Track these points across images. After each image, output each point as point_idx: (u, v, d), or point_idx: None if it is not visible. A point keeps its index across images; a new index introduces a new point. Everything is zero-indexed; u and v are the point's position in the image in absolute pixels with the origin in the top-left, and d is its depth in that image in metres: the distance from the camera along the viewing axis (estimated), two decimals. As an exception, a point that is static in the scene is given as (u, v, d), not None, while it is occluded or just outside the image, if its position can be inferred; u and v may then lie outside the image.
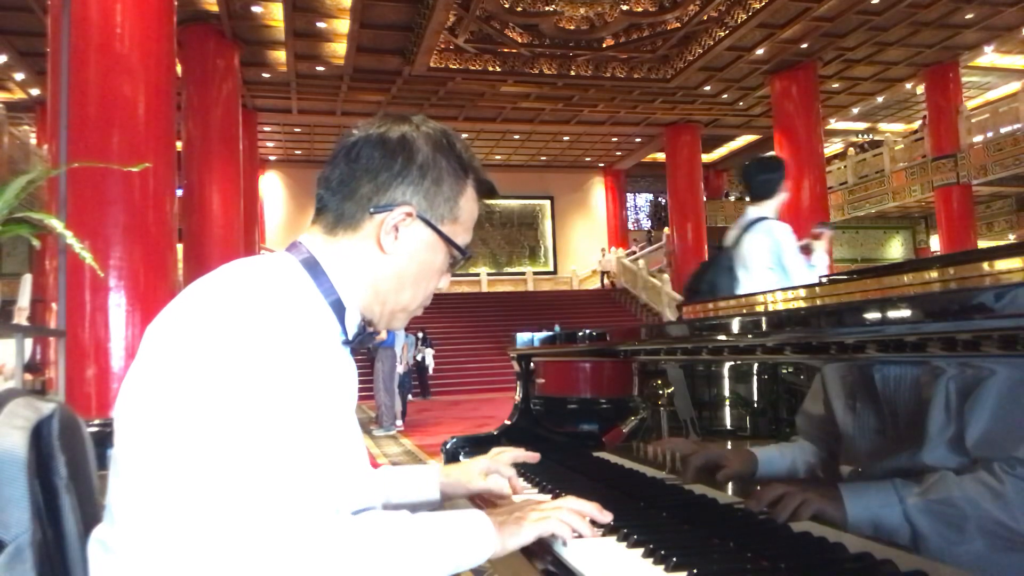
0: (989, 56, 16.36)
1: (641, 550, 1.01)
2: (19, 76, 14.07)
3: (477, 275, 22.74)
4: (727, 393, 1.24)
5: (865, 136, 22.65)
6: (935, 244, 21.86)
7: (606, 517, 1.03)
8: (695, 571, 0.92)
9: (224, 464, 0.77)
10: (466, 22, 13.07)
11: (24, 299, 5.33)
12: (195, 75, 11.80)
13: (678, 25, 13.58)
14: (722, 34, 13.44)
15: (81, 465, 0.96)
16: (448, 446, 1.87)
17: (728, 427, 1.24)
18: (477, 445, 1.83)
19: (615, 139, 21.43)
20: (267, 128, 18.53)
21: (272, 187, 21.96)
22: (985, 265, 1.15)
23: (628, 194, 25.74)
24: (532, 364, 2.05)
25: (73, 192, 5.27)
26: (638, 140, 21.44)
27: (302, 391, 0.85)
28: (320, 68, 14.43)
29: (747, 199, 3.40)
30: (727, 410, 1.25)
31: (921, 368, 0.82)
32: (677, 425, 1.35)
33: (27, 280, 5.53)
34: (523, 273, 23.69)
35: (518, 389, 2.06)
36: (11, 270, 14.50)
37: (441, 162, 1.00)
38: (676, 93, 16.59)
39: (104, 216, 5.70)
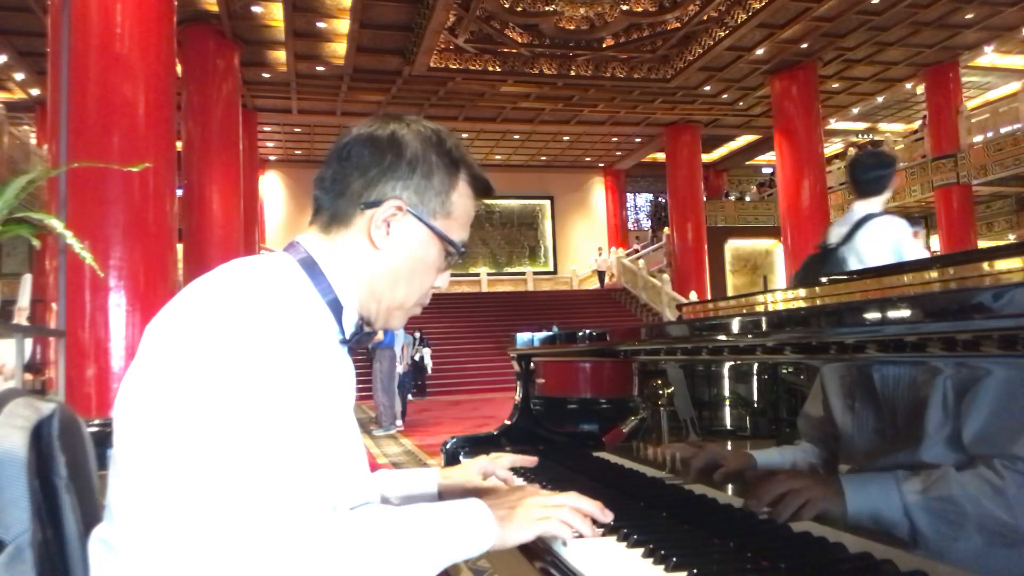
0: (989, 56, 16.36)
1: (641, 550, 1.01)
2: (19, 76, 14.07)
3: (477, 275, 22.75)
4: (727, 393, 1.24)
5: (865, 136, 22.65)
6: (935, 244, 21.86)
7: (607, 517, 1.03)
8: (695, 571, 0.92)
9: (223, 462, 0.77)
10: (466, 22, 13.07)
11: (24, 299, 5.33)
12: (195, 75, 11.81)
13: (678, 25, 13.59)
14: (722, 34, 13.44)
15: (81, 465, 0.96)
16: (448, 446, 1.87)
17: (728, 427, 1.24)
18: (477, 445, 1.83)
19: (615, 139, 21.44)
20: (267, 128, 18.54)
21: (272, 187, 21.96)
22: (985, 265, 1.15)
23: (628, 194, 25.75)
24: (532, 364, 2.05)
25: (73, 192, 5.28)
26: (638, 140, 21.45)
27: (300, 390, 0.85)
28: (320, 68, 14.43)
29: (855, 194, 3.34)
30: (727, 410, 1.25)
31: (921, 368, 0.82)
32: (677, 425, 1.35)
33: (27, 280, 5.53)
34: (523, 273, 23.70)
35: (518, 389, 2.06)
36: (11, 270, 14.49)
37: (431, 157, 1.00)
38: (676, 93, 16.60)
39: (104, 216, 5.71)
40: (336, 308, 0.97)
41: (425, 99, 16.31)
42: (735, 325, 1.11)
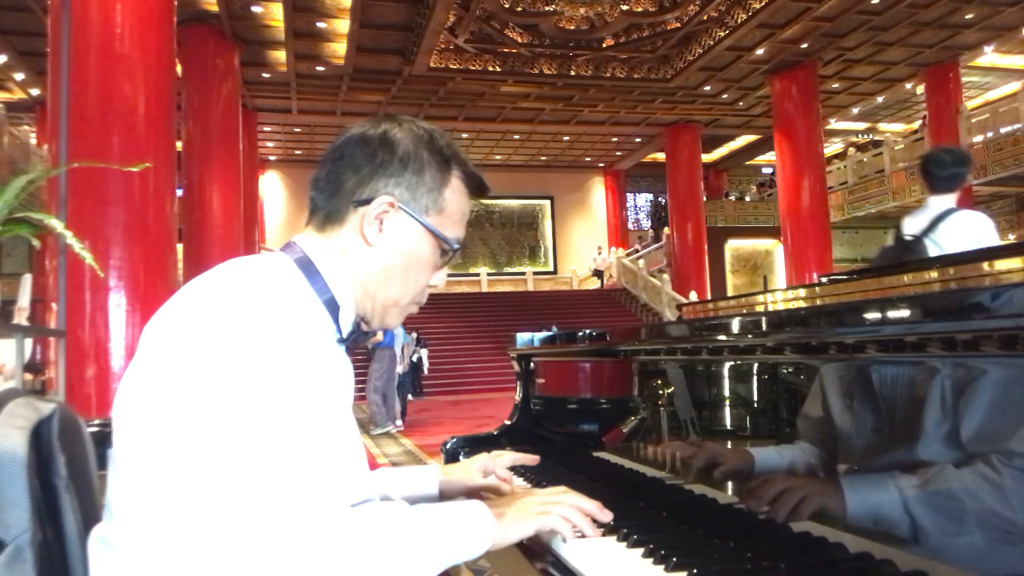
0: (989, 56, 16.36)
1: (641, 550, 1.01)
2: (19, 76, 14.07)
3: (477, 275, 22.74)
4: (727, 393, 1.24)
5: (865, 136, 22.66)
6: (935, 244, 21.82)
7: (606, 516, 1.03)
8: (695, 571, 0.92)
9: (220, 460, 0.78)
10: (466, 22, 13.07)
11: (24, 299, 5.33)
12: (195, 75, 11.81)
13: (678, 25, 13.59)
14: (722, 34, 13.44)
15: (81, 465, 0.96)
16: (448, 446, 1.87)
17: (728, 427, 1.24)
18: (477, 445, 1.83)
19: (615, 139, 21.44)
20: (267, 128, 18.54)
21: (272, 187, 21.96)
22: (985, 265, 1.15)
23: (628, 194, 25.74)
24: (532, 364, 2.05)
25: (73, 192, 5.28)
26: (638, 140, 21.44)
27: (297, 388, 0.85)
28: (320, 68, 14.43)
29: (929, 189, 3.37)
30: (727, 410, 1.25)
31: (921, 368, 0.82)
32: (677, 425, 1.35)
33: (27, 280, 5.53)
34: (523, 273, 23.68)
35: (518, 389, 2.06)
36: (11, 270, 14.50)
37: (422, 154, 1.01)
38: (676, 93, 16.60)
39: (104, 216, 5.71)
40: (333, 307, 0.97)
41: (425, 99, 16.31)
42: (735, 325, 1.11)
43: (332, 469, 0.94)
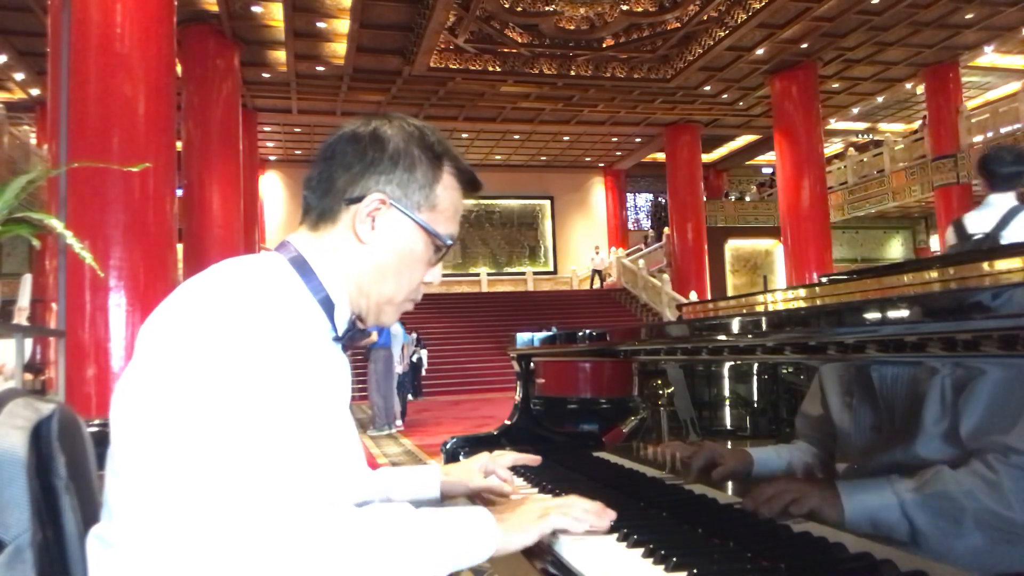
0: (989, 56, 16.36)
1: (641, 550, 1.01)
2: (19, 76, 14.07)
3: (477, 275, 22.74)
4: (727, 393, 1.24)
5: (865, 136, 22.65)
6: (935, 244, 21.86)
7: (610, 515, 1.03)
8: (695, 571, 0.92)
9: (218, 459, 0.78)
10: (466, 22, 13.07)
11: (24, 299, 5.33)
12: (195, 75, 11.80)
13: (678, 25, 13.59)
14: (722, 34, 13.44)
15: (81, 465, 0.96)
16: (448, 446, 1.87)
17: (728, 427, 1.24)
18: (477, 445, 1.83)
19: (615, 139, 21.43)
20: (267, 128, 18.53)
21: (272, 187, 21.96)
22: (985, 265, 1.15)
23: (628, 194, 25.74)
24: (532, 364, 2.05)
25: (73, 192, 5.28)
26: (638, 140, 21.44)
27: (293, 386, 0.86)
28: (320, 68, 14.43)
29: (984, 187, 3.37)
30: (727, 410, 1.25)
31: (921, 368, 0.82)
32: (677, 425, 1.34)
33: (27, 280, 5.53)
34: (523, 273, 23.68)
35: (518, 389, 2.06)
36: (11, 270, 14.51)
37: (413, 151, 1.01)
38: (676, 93, 16.60)
39: (104, 216, 5.71)
40: (328, 306, 0.98)
41: (425, 99, 16.31)
42: (735, 325, 1.11)
43: (329, 466, 0.94)
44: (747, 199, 23.35)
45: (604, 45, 14.38)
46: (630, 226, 25.63)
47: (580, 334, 1.73)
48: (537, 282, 23.34)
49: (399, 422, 9.45)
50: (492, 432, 1.95)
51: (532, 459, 1.32)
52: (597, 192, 25.04)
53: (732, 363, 1.21)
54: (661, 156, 20.61)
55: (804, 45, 14.10)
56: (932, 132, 16.61)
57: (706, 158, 21.32)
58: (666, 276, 18.68)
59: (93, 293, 5.61)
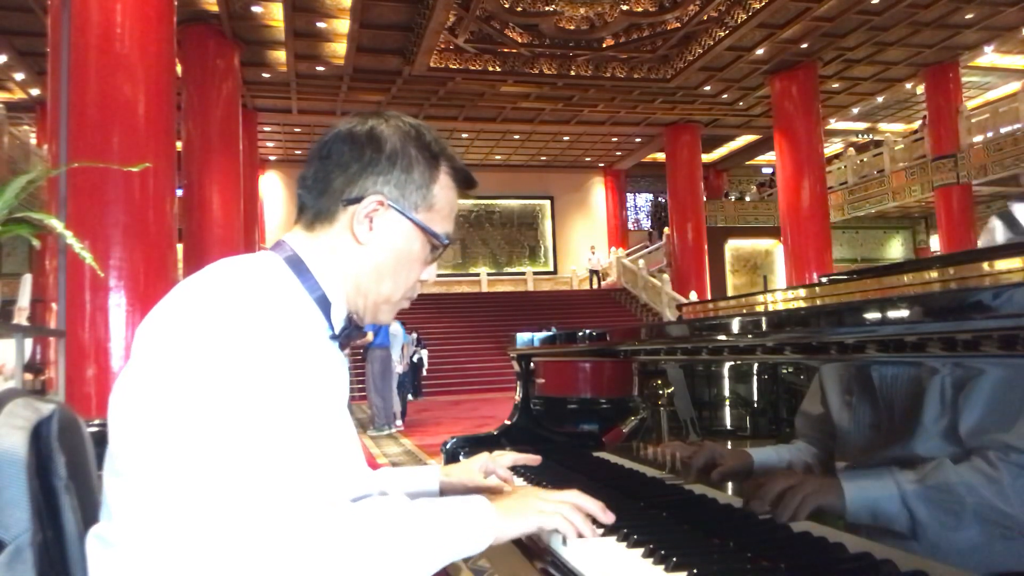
0: (989, 56, 16.36)
1: (641, 550, 1.01)
2: (19, 76, 14.07)
3: (477, 275, 22.73)
4: (727, 393, 1.24)
5: (865, 136, 22.65)
6: (935, 244, 21.86)
7: (609, 517, 1.02)
8: (695, 571, 0.92)
9: (215, 458, 0.78)
10: (466, 22, 13.07)
11: (24, 299, 5.32)
12: (195, 75, 11.80)
13: (678, 25, 13.58)
14: (722, 34, 13.44)
15: (81, 465, 0.96)
16: (448, 446, 1.87)
17: (728, 427, 1.24)
18: (477, 445, 1.83)
19: (615, 139, 21.43)
20: (267, 128, 18.53)
21: (272, 187, 21.95)
22: (985, 265, 1.15)
23: (628, 194, 25.73)
24: (532, 364, 2.05)
25: (73, 192, 5.28)
26: (638, 140, 21.44)
27: (289, 385, 0.86)
28: (320, 68, 14.43)
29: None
30: (727, 410, 1.24)
31: (921, 368, 0.82)
32: (677, 425, 1.34)
33: (27, 280, 5.52)
34: (523, 273, 23.67)
35: (518, 389, 2.06)
36: (11, 270, 14.50)
37: (410, 151, 1.01)
38: (676, 93, 16.60)
39: (104, 216, 5.71)
40: (324, 305, 0.98)
41: (425, 99, 16.30)
42: (735, 325, 1.11)
43: (327, 463, 0.94)
44: (747, 199, 23.34)
45: (604, 45, 14.38)
46: (630, 226, 25.63)
47: (580, 334, 1.73)
48: (537, 282, 23.33)
49: (399, 422, 9.44)
50: (492, 432, 1.95)
51: (532, 459, 1.31)
52: (597, 192, 25.03)
53: (732, 363, 1.21)
54: (661, 156, 20.60)
55: (804, 45, 14.10)
56: (932, 132, 16.61)
57: (706, 158, 21.32)
58: (666, 276, 18.68)
59: (93, 293, 5.61)
